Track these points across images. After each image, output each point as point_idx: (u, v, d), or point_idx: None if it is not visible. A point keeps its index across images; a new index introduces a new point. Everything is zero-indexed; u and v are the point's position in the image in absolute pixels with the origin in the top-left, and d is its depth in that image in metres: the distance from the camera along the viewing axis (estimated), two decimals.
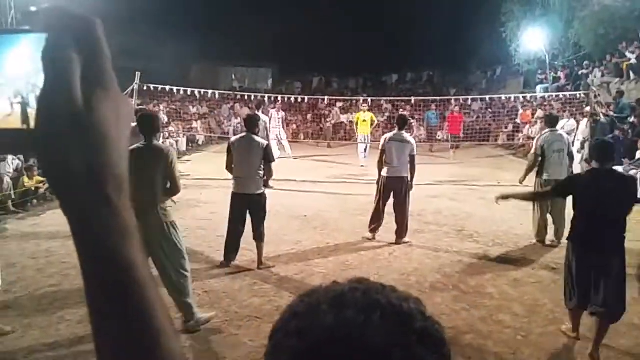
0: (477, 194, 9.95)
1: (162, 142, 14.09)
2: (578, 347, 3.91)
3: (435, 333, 0.55)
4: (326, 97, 17.55)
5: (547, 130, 6.63)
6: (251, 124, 5.66)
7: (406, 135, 6.65)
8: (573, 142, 11.17)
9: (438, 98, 17.27)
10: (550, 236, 6.49)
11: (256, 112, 10.80)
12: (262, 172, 5.44)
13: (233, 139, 5.74)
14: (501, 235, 6.93)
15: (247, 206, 5.46)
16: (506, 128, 16.97)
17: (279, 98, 15.21)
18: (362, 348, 0.49)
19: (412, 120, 18.78)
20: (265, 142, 5.52)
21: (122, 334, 0.46)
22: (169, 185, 3.99)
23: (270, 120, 14.27)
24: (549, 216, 6.46)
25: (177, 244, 4.03)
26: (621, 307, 3.68)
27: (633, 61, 14.06)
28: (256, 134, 5.61)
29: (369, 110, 14.35)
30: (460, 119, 15.73)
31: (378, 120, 20.44)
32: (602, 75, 15.76)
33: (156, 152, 3.97)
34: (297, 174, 11.47)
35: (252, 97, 16.25)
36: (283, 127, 14.87)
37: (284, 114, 15.25)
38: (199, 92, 14.22)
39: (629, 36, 15.00)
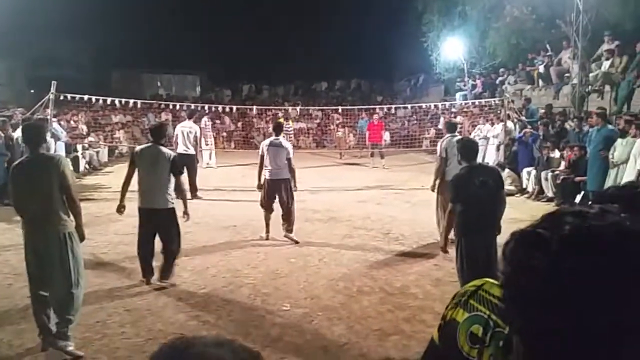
0: (403, 197, 10.30)
1: (82, 153, 13.59)
2: None
3: None
4: (254, 107, 17.44)
5: (448, 135, 7.02)
6: (157, 134, 5.35)
7: (282, 140, 7.19)
8: (498, 146, 11.91)
9: (364, 107, 17.70)
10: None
11: (189, 120, 10.66)
12: (170, 186, 5.12)
13: (137, 148, 5.45)
14: (425, 237, 7.21)
15: (155, 222, 5.15)
16: (429, 134, 17.68)
17: (206, 107, 14.92)
18: None
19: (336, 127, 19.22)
20: (172, 154, 5.26)
21: None
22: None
23: (200, 129, 14.11)
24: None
25: (72, 257, 3.81)
26: None
27: (542, 69, 15.17)
28: (163, 145, 5.32)
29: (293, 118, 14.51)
30: (380, 128, 16.03)
31: (309, 127, 20.75)
32: (515, 83, 16.85)
33: (45, 162, 3.79)
34: (227, 183, 11.32)
35: (178, 106, 15.82)
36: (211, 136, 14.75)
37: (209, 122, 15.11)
38: (120, 102, 13.63)
39: (538, 46, 16.17)
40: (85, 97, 12.69)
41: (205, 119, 14.38)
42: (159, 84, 29.89)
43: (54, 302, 3.77)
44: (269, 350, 3.94)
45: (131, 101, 13.69)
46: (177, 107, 15.84)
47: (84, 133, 15.21)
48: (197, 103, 19.54)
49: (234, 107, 16.78)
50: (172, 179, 5.13)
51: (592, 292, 0.51)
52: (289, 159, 7.03)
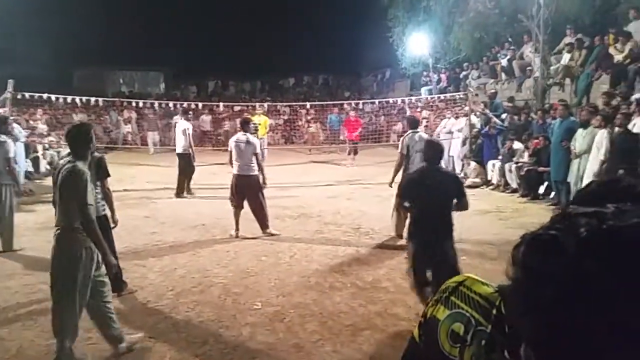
0: (372, 192, 10.35)
1: (43, 153, 13.12)
2: None
3: None
4: (221, 104, 17.20)
5: (409, 131, 7.04)
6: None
7: (250, 136, 7.16)
8: (464, 140, 12.09)
9: (332, 102, 17.73)
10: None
11: (181, 119, 10.86)
12: (99, 189, 4.61)
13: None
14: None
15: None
16: (396, 128, 17.83)
17: (170, 104, 14.64)
18: None
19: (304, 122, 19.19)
20: (98, 155, 4.73)
21: None
22: None
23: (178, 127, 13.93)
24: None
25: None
26: None
27: (504, 63, 15.48)
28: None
29: (263, 113, 14.35)
30: (359, 124, 15.79)
31: (277, 123, 20.60)
32: (479, 77, 17.15)
33: None
34: (195, 181, 11.14)
35: (141, 104, 15.45)
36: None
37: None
38: (81, 100, 13.21)
39: (501, 40, 16.50)
40: (45, 95, 12.25)
41: (178, 116, 14.22)
42: (121, 80, 29.14)
43: None
44: (240, 350, 3.88)
45: (92, 99, 13.29)
46: (141, 104, 15.47)
47: (45, 133, 14.68)
48: (161, 100, 19.17)
49: (200, 104, 16.52)
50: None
51: (613, 298, 0.48)
52: (255, 154, 7.02)
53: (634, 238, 0.50)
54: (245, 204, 7.06)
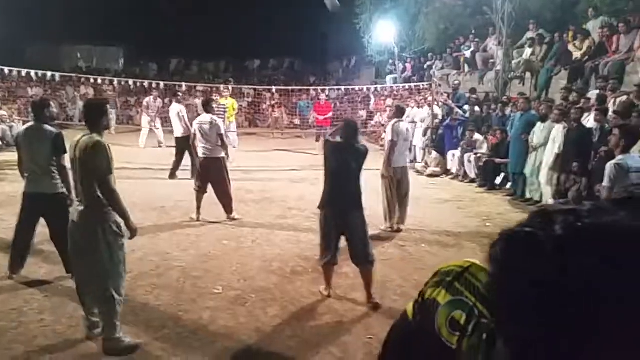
0: None
1: None
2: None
3: None
4: (184, 84, 16.78)
5: (396, 119, 7.08)
6: (39, 109, 4.75)
7: (213, 117, 7.11)
8: (426, 130, 12.27)
9: (297, 87, 17.59)
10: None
11: (173, 101, 10.70)
12: (54, 167, 4.58)
13: (20, 130, 4.91)
14: None
15: (41, 209, 4.63)
16: (360, 115, 17.92)
17: (130, 82, 14.21)
18: None
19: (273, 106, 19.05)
20: (55, 131, 4.64)
21: None
22: None
23: (148, 108, 13.61)
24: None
25: None
26: (369, 255, 4.46)
27: (468, 55, 15.75)
28: (47, 123, 4.71)
29: (230, 96, 14.06)
30: (329, 109, 15.32)
31: (240, 106, 20.28)
32: (442, 68, 17.40)
33: None
34: (156, 162, 10.91)
35: (100, 80, 14.91)
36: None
37: (160, 101, 14.55)
38: (36, 74, 12.63)
39: (465, 32, 16.75)
40: None
41: (150, 98, 13.93)
42: (78, 55, 27.96)
43: None
44: (200, 334, 3.85)
45: (49, 73, 12.74)
46: (100, 81, 14.94)
47: None
48: (120, 77, 18.54)
49: (162, 83, 16.07)
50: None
51: (591, 294, 0.48)
52: (220, 135, 6.93)
53: (609, 235, 0.50)
54: (210, 187, 6.95)
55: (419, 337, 0.86)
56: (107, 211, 3.49)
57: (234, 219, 6.98)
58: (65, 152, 4.51)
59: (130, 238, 3.73)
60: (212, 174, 6.89)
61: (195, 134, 7.02)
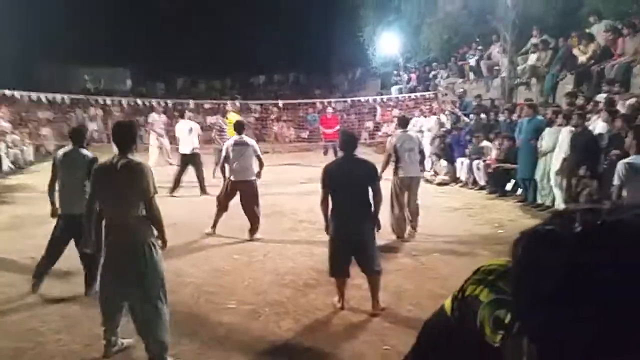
0: None
1: (6, 152, 12.68)
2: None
3: None
4: (191, 101, 16.94)
5: (399, 130, 7.10)
6: (77, 135, 5.00)
7: (246, 138, 7.05)
8: (433, 138, 12.27)
9: (303, 101, 17.70)
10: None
11: (180, 119, 10.79)
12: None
13: (58, 153, 5.06)
14: None
15: (75, 229, 4.66)
16: (367, 126, 17.98)
17: (138, 101, 14.32)
18: None
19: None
20: (91, 156, 4.80)
21: None
22: None
23: (154, 124, 13.60)
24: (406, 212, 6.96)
25: None
26: (376, 265, 4.50)
27: (473, 63, 15.78)
28: (84, 147, 4.95)
29: (236, 112, 14.15)
30: (336, 122, 15.30)
31: (247, 121, 20.40)
32: (448, 77, 17.44)
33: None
34: (167, 180, 10.97)
35: (109, 101, 15.09)
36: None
37: (164, 117, 14.44)
38: (46, 97, 12.83)
39: (469, 40, 16.81)
40: (7, 91, 11.84)
41: (154, 114, 13.90)
42: (86, 77, 28.34)
43: None
44: (215, 350, 3.85)
45: (59, 96, 12.93)
46: (108, 102, 15.12)
47: (7, 131, 14.20)
48: (128, 97, 18.75)
49: (169, 101, 16.26)
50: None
51: (610, 290, 0.49)
52: (258, 156, 6.92)
53: (627, 231, 0.51)
54: (231, 206, 6.94)
55: (457, 333, 0.86)
56: (150, 227, 3.63)
57: (253, 240, 6.86)
58: None
59: (162, 250, 3.80)
60: (242, 196, 6.84)
61: (226, 156, 6.89)
